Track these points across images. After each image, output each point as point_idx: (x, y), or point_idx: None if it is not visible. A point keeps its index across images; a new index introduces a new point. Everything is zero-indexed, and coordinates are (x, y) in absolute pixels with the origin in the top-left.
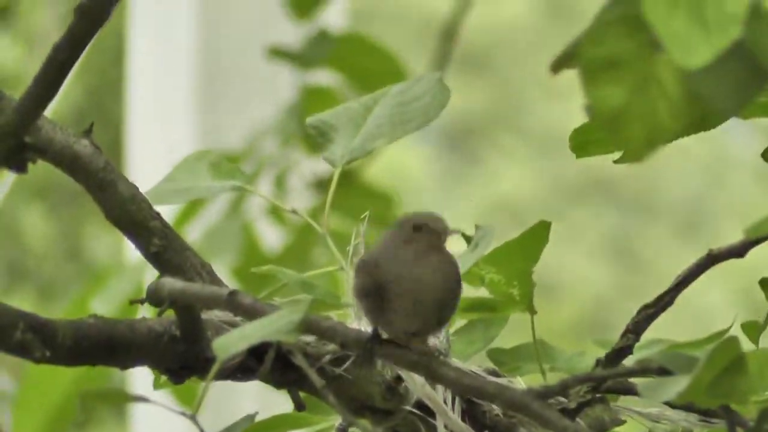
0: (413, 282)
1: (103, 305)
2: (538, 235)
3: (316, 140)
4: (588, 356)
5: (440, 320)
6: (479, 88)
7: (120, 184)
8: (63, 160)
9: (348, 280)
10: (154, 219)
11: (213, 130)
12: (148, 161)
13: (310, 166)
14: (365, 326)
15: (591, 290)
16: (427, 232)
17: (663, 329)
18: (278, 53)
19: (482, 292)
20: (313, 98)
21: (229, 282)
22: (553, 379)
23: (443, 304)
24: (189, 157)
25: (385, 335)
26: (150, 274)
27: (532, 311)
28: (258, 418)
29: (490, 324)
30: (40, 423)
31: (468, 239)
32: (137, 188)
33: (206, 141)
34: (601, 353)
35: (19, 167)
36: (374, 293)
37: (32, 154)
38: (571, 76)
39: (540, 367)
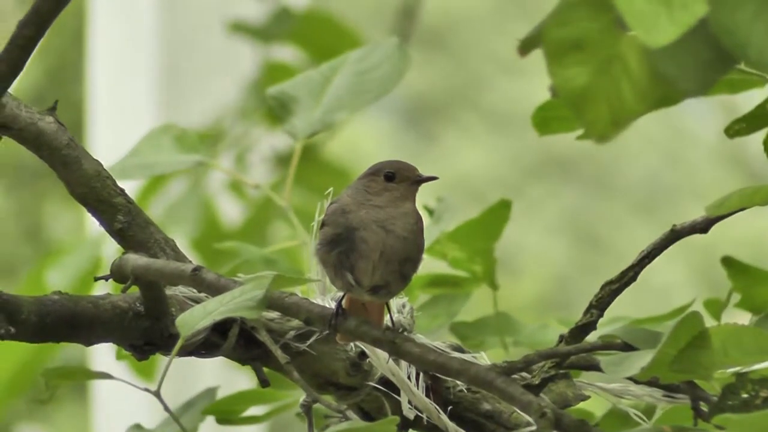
0: (381, 230)
1: (60, 279)
2: (499, 213)
3: (276, 112)
4: (550, 329)
5: (404, 274)
6: (437, 66)
7: (84, 160)
8: (28, 136)
9: (311, 255)
10: (119, 195)
11: (175, 109)
12: (110, 141)
13: (271, 142)
14: (329, 302)
15: (550, 267)
16: (400, 180)
17: (624, 308)
18: (239, 28)
19: (445, 268)
20: (275, 74)
21: (190, 255)
22: (516, 353)
23: (408, 256)
24: (153, 131)
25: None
26: (108, 248)
27: (495, 287)
28: (221, 394)
29: (453, 299)
30: None
31: (431, 212)
32: (101, 165)
33: (168, 119)
34: (563, 329)
35: None
36: (341, 242)
37: None
38: (530, 54)
39: (502, 340)
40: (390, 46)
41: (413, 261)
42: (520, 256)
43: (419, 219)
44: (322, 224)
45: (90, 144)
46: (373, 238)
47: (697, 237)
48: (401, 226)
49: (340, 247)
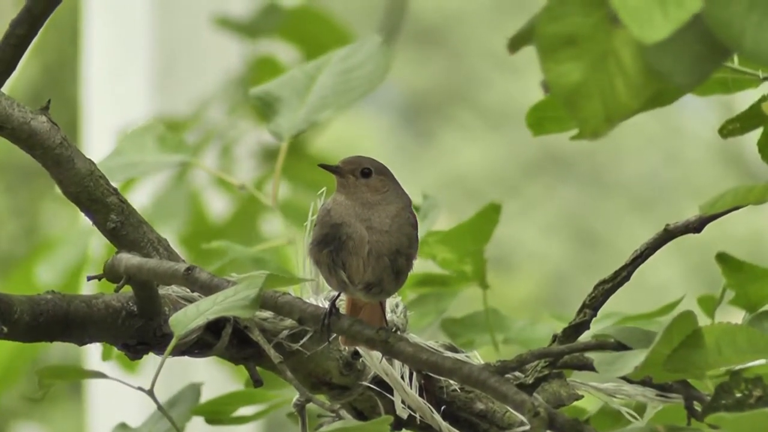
0: (365, 226)
1: (49, 273)
2: (488, 216)
3: (261, 112)
4: (541, 326)
5: (397, 269)
6: (434, 64)
7: (77, 160)
8: (20, 136)
9: (303, 254)
10: (112, 194)
11: (169, 105)
12: (104, 139)
13: (257, 136)
14: (322, 302)
15: (546, 265)
16: (377, 174)
17: (620, 307)
18: (227, 24)
19: (434, 267)
20: (261, 68)
21: (177, 250)
22: (507, 351)
23: (398, 249)
24: (136, 130)
25: (342, 301)
26: (96, 243)
27: (485, 286)
28: (214, 393)
29: (441, 296)
30: None
31: (416, 209)
32: (94, 164)
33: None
34: (557, 326)
35: None
36: (329, 241)
37: None
38: (526, 51)
39: (493, 338)
40: (373, 45)
41: (405, 255)
42: (517, 254)
43: (402, 210)
44: (314, 224)
45: (85, 141)
46: (357, 233)
47: (694, 235)
48: (378, 221)
49: (329, 246)
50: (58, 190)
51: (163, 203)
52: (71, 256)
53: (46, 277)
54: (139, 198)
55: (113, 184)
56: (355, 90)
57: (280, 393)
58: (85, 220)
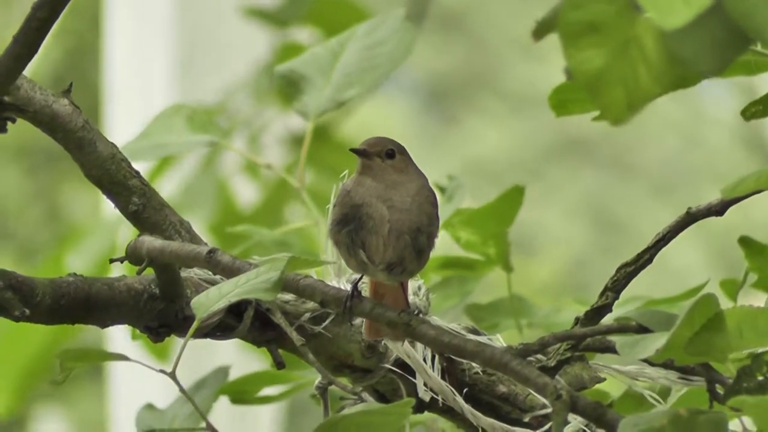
0: (382, 204)
1: (78, 261)
2: (512, 198)
3: (285, 91)
4: (565, 312)
5: (418, 249)
6: (456, 49)
7: (99, 143)
8: (42, 119)
9: (326, 237)
10: (134, 177)
11: (191, 91)
12: (126, 124)
13: (284, 123)
14: (344, 284)
15: (568, 250)
16: (399, 154)
17: (642, 290)
18: (254, 13)
19: (458, 250)
20: (287, 56)
21: (204, 238)
22: (531, 335)
23: (418, 227)
24: (164, 111)
25: (365, 285)
26: (125, 231)
27: (509, 269)
28: (236, 375)
29: (465, 279)
30: (13, 378)
31: (443, 190)
32: (116, 147)
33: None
34: (579, 310)
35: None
36: (349, 221)
37: (12, 113)
38: (549, 37)
39: (517, 322)
40: (396, 20)
41: (426, 233)
42: (539, 239)
43: (421, 189)
44: (334, 206)
45: (106, 126)
46: (378, 212)
47: (716, 219)
48: (399, 199)
49: (349, 226)
50: (80, 172)
51: (192, 191)
52: (100, 244)
53: (75, 266)
54: (168, 187)
55: (141, 165)
56: (380, 68)
57: (304, 374)
58: (109, 206)
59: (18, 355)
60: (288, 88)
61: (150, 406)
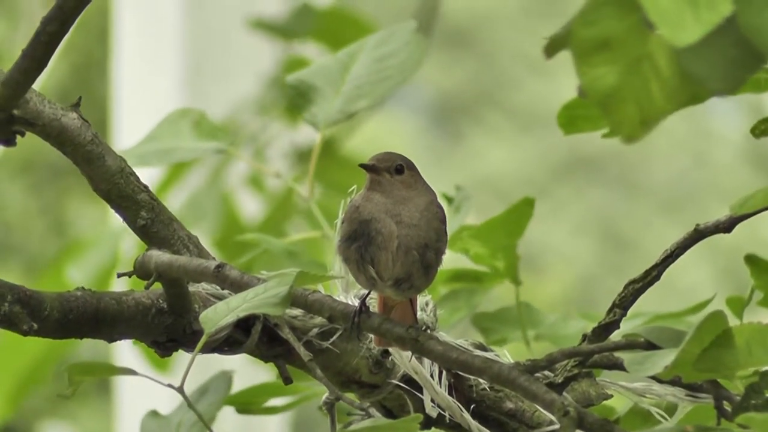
0: (391, 220)
1: (79, 273)
2: (522, 211)
3: (295, 101)
4: (572, 322)
5: (426, 264)
6: (464, 65)
7: (108, 157)
8: (51, 132)
9: (334, 252)
10: (142, 191)
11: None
12: (133, 139)
13: (290, 138)
14: (352, 300)
15: (575, 267)
16: (408, 170)
17: (649, 308)
18: (260, 25)
19: (467, 263)
20: (294, 70)
21: (209, 251)
22: (539, 348)
23: (426, 243)
24: (170, 114)
25: (373, 300)
26: (126, 244)
27: (518, 282)
28: (245, 385)
29: (473, 291)
30: (9, 386)
31: (450, 200)
32: (125, 161)
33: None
34: (588, 323)
35: (8, 140)
36: (357, 237)
37: (21, 127)
38: (558, 54)
39: (524, 334)
40: (407, 32)
41: (434, 249)
42: (546, 256)
43: (430, 204)
44: (342, 221)
45: (114, 141)
46: (386, 228)
47: (723, 238)
48: (408, 215)
49: (358, 242)
50: (87, 187)
51: (196, 205)
52: (102, 257)
53: (76, 278)
54: (173, 200)
55: (148, 178)
56: (390, 79)
57: (310, 386)
58: (115, 220)
59: (14, 362)
60: (298, 99)
61: (154, 413)
